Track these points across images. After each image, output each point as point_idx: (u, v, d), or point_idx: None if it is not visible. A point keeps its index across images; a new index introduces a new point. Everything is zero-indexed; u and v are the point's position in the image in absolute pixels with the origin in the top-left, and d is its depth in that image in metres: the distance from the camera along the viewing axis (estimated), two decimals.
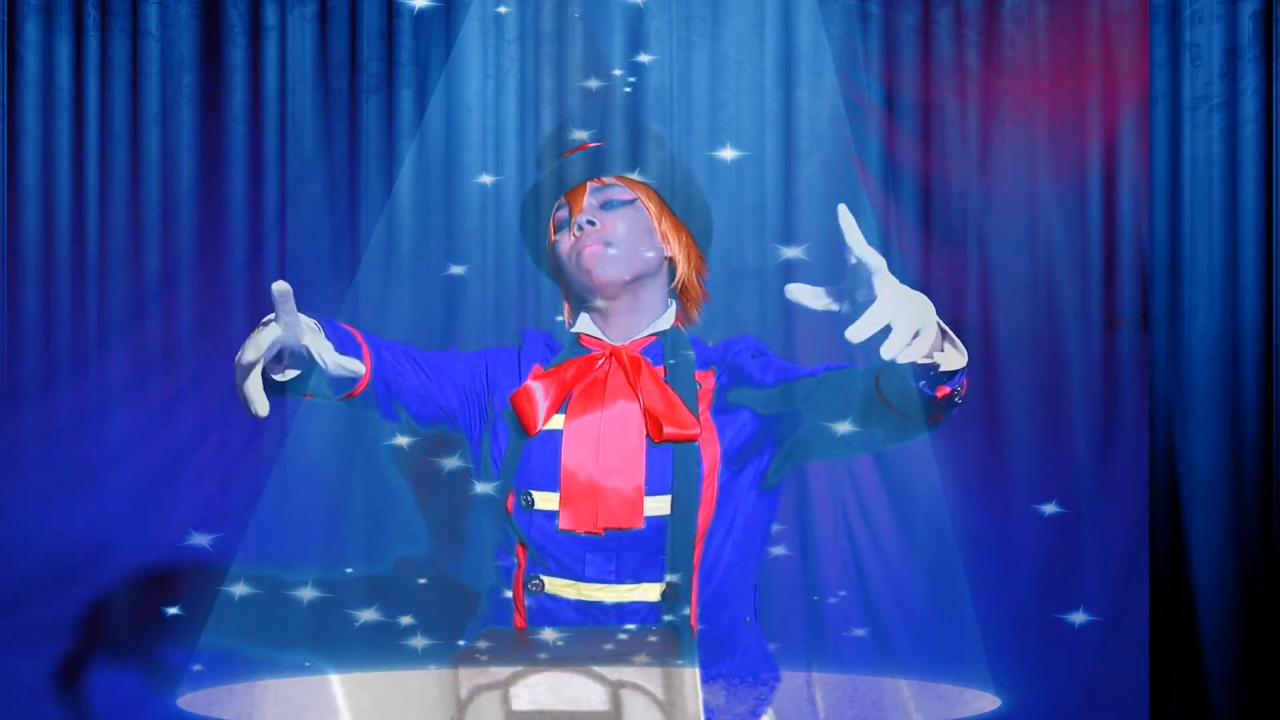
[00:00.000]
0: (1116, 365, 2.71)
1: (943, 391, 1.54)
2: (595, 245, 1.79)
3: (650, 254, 1.84)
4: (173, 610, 2.66)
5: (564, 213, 1.85)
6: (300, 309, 1.53)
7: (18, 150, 2.73)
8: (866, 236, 1.53)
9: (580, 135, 1.89)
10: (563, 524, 1.74)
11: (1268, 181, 2.69)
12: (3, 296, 2.73)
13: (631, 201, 1.84)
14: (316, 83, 2.75)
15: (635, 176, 1.86)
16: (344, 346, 1.66)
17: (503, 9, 2.69)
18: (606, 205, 1.83)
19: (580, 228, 1.81)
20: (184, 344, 2.76)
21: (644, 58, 2.66)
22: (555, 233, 1.87)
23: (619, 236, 1.81)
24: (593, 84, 2.51)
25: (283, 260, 2.75)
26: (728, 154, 2.70)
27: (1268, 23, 2.68)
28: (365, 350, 1.73)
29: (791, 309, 2.73)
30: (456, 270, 2.66)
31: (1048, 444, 2.72)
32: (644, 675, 1.42)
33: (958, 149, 2.74)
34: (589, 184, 1.84)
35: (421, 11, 2.72)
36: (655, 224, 1.85)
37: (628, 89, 2.62)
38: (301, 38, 2.75)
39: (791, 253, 2.67)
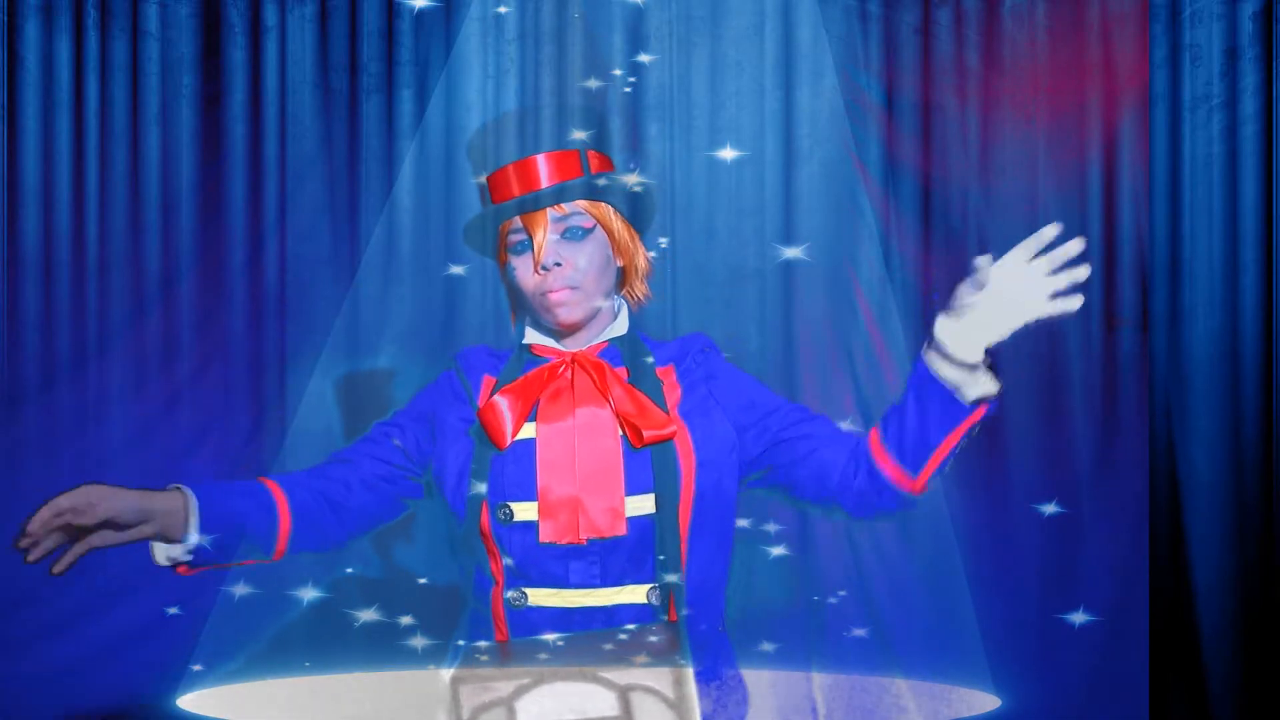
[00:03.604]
0: (1116, 365, 2.71)
1: (969, 420, 1.75)
2: (562, 291, 1.77)
3: (610, 280, 1.83)
4: (173, 610, 2.66)
5: (519, 236, 1.80)
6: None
7: (18, 150, 2.73)
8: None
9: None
10: (544, 536, 1.73)
11: (1268, 181, 2.69)
12: (3, 296, 2.73)
13: (591, 230, 1.81)
14: (316, 83, 2.75)
15: (585, 204, 1.80)
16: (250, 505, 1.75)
17: (503, 9, 2.69)
18: (568, 234, 1.79)
19: (545, 268, 1.77)
20: (184, 344, 2.75)
21: (644, 58, 2.66)
22: (508, 252, 1.82)
23: (582, 273, 1.78)
24: (593, 84, 2.51)
25: (283, 260, 2.75)
26: (728, 154, 2.70)
27: (1268, 23, 2.68)
28: (281, 502, 1.78)
29: (791, 309, 2.75)
30: (456, 270, 2.66)
31: (1048, 444, 2.71)
32: (652, 676, 1.42)
33: (958, 149, 2.74)
34: (549, 211, 1.79)
35: (421, 11, 2.72)
36: (614, 243, 1.83)
37: (628, 89, 2.62)
38: (301, 38, 2.74)
39: (791, 253, 2.68)
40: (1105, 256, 2.73)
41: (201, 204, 2.76)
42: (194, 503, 1.69)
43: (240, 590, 2.59)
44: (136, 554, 2.75)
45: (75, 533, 1.63)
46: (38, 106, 2.73)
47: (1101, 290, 2.71)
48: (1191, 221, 2.71)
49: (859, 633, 2.72)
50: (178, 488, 1.70)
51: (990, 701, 2.64)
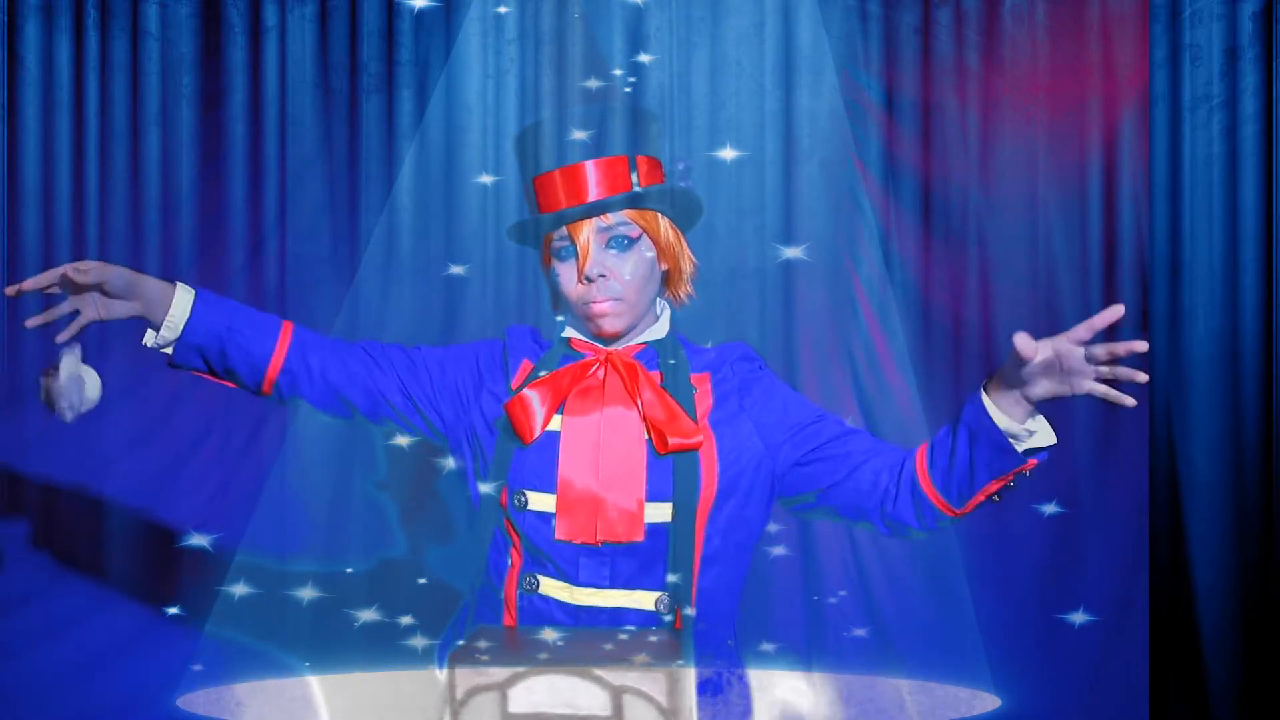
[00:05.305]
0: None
1: (1020, 469, 1.71)
2: (605, 302, 1.74)
3: (654, 287, 1.81)
4: (173, 610, 2.65)
5: (564, 243, 1.77)
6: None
7: (18, 150, 2.73)
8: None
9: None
10: (560, 534, 1.71)
11: (1268, 181, 2.69)
12: (2, 297, 2.73)
13: (637, 239, 1.77)
14: (316, 83, 2.75)
15: (634, 211, 1.78)
16: (258, 332, 1.82)
17: (503, 9, 2.70)
18: (613, 244, 1.75)
19: (589, 279, 1.75)
20: None
21: (644, 58, 2.67)
22: (552, 256, 1.80)
23: (626, 283, 1.74)
24: (593, 84, 2.51)
25: (283, 260, 2.75)
26: (728, 154, 2.70)
27: (1268, 23, 2.68)
28: (284, 335, 1.83)
29: (791, 309, 2.75)
30: (456, 270, 2.66)
31: None
32: (646, 679, 1.41)
33: (958, 149, 2.74)
34: (595, 221, 1.75)
35: (421, 11, 2.72)
36: (659, 249, 1.80)
37: (628, 89, 2.62)
38: (301, 38, 2.75)
39: (791, 252, 2.68)
40: (1105, 256, 2.73)
41: (201, 204, 2.76)
42: (186, 298, 1.79)
43: (240, 590, 2.59)
44: (136, 554, 2.77)
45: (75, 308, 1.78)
46: (38, 106, 2.73)
47: (1101, 290, 2.71)
48: (1191, 221, 2.71)
49: (859, 633, 2.72)
50: (182, 285, 1.79)
51: (990, 701, 2.64)
